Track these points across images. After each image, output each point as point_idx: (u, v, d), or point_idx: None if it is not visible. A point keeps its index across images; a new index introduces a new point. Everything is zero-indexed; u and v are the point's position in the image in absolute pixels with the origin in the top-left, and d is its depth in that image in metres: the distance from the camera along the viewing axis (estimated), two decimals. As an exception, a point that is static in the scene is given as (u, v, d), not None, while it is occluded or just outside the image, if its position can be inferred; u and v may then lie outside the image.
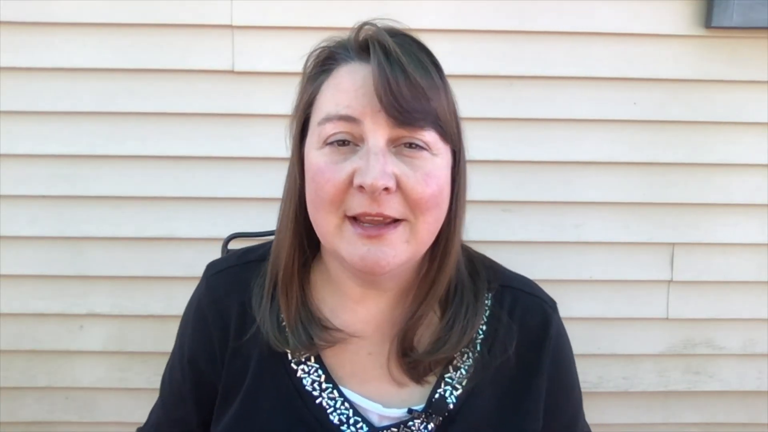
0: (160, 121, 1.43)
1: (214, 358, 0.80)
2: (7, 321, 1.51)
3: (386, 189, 0.64)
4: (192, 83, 1.41)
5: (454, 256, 0.75)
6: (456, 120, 0.72)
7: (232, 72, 1.41)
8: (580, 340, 1.54)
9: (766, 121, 1.46)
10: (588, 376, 1.56)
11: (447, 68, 1.43)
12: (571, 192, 1.48)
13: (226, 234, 1.35)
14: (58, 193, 1.45)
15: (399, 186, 0.65)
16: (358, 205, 0.65)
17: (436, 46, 1.40)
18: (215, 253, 1.27)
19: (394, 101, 0.64)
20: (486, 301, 0.78)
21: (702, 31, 1.42)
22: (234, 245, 1.29)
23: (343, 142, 0.67)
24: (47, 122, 1.42)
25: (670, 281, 1.53)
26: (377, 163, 0.64)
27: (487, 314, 0.78)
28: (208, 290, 0.82)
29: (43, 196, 1.45)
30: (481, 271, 0.79)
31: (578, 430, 0.86)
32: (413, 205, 0.66)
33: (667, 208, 1.50)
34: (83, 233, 1.46)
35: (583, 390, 1.54)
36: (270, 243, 0.81)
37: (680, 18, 1.41)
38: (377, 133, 0.65)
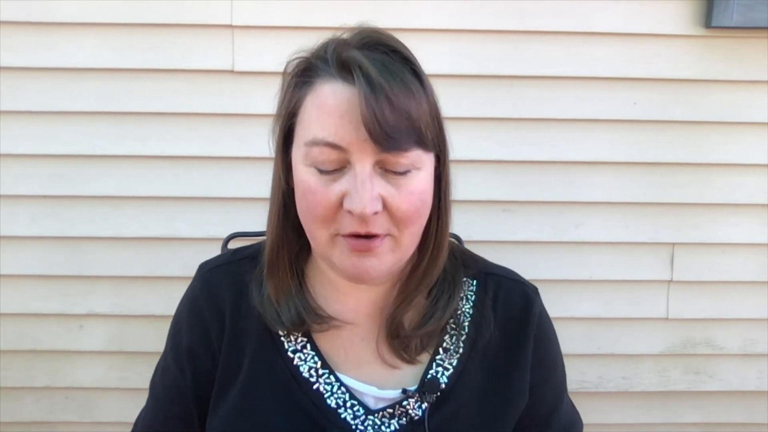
0: (160, 121, 1.43)
1: (211, 347, 0.82)
2: (7, 321, 1.51)
3: (374, 213, 0.68)
4: (192, 83, 1.41)
5: (445, 250, 0.80)
6: (439, 122, 0.75)
7: (232, 72, 1.41)
8: (580, 340, 1.54)
9: (766, 121, 1.46)
10: (588, 376, 1.57)
11: (447, 68, 1.44)
12: (572, 192, 1.48)
13: (226, 234, 1.35)
14: (58, 193, 1.45)
15: (385, 206, 0.70)
16: (348, 225, 0.69)
17: (436, 46, 1.41)
18: (215, 253, 1.28)
19: (380, 130, 0.66)
20: (471, 287, 0.84)
21: (702, 31, 1.42)
22: (234, 245, 1.29)
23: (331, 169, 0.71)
24: (47, 122, 1.42)
25: (670, 281, 1.53)
26: (365, 191, 0.67)
27: (473, 299, 0.83)
28: (203, 284, 0.85)
29: (43, 196, 1.45)
30: (458, 255, 0.85)
31: (562, 410, 0.88)
32: (398, 221, 0.71)
33: (667, 208, 1.50)
34: (83, 233, 1.46)
35: (583, 390, 1.56)
36: (261, 242, 0.85)
37: (680, 18, 1.41)
38: (364, 160, 0.68)
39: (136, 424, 0.92)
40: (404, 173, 0.70)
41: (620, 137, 1.47)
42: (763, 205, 1.50)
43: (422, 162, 0.71)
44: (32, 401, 1.55)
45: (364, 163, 0.68)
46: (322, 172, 0.70)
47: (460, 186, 1.52)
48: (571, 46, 1.42)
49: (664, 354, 1.56)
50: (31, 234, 1.46)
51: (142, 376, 1.52)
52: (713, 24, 1.38)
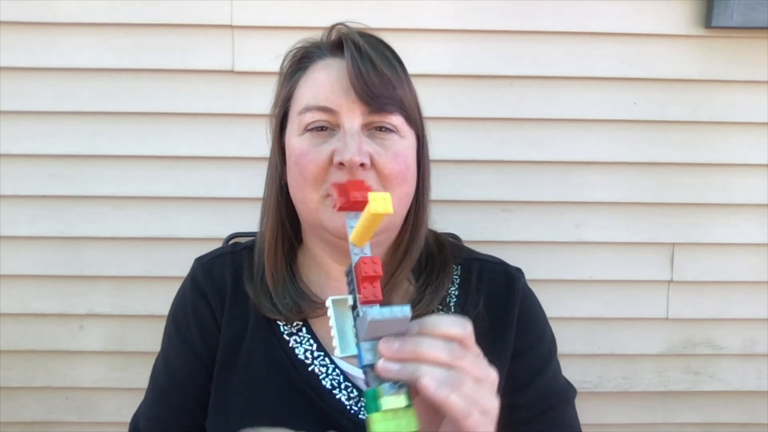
0: (160, 121, 1.43)
1: (217, 322, 0.86)
2: (7, 321, 1.51)
3: (362, 165, 0.73)
4: (192, 83, 1.41)
5: (424, 228, 0.85)
6: (418, 108, 0.83)
7: (232, 72, 1.41)
8: (580, 341, 1.54)
9: (766, 121, 1.46)
10: (588, 376, 1.56)
11: (447, 68, 1.44)
12: (571, 192, 1.48)
13: (225, 234, 1.36)
14: (58, 193, 1.45)
15: (372, 163, 0.75)
16: (338, 179, 0.74)
17: (436, 46, 1.41)
18: (215, 253, 1.28)
19: (366, 89, 0.74)
20: (456, 272, 0.89)
21: (702, 31, 1.42)
22: (234, 245, 1.29)
23: (322, 128, 0.77)
24: (47, 122, 1.42)
25: (670, 281, 1.53)
26: (353, 142, 0.73)
27: (458, 282, 0.88)
28: (205, 271, 0.89)
29: (43, 196, 1.45)
30: (447, 245, 0.90)
31: (547, 379, 0.89)
32: (385, 180, 0.76)
33: (667, 208, 1.50)
34: (83, 233, 1.46)
35: (583, 390, 1.56)
36: (256, 237, 0.90)
37: (680, 18, 1.41)
38: (353, 120, 0.75)
39: (135, 426, 0.93)
40: (389, 136, 0.77)
41: (620, 137, 1.47)
42: (763, 205, 1.50)
43: (405, 132, 0.79)
44: (32, 401, 1.55)
45: (352, 122, 0.75)
46: (313, 133, 0.76)
47: (460, 186, 1.53)
48: (571, 46, 1.42)
49: (664, 354, 1.56)
50: (31, 234, 1.46)
51: (142, 376, 1.51)
52: (713, 24, 1.38)
